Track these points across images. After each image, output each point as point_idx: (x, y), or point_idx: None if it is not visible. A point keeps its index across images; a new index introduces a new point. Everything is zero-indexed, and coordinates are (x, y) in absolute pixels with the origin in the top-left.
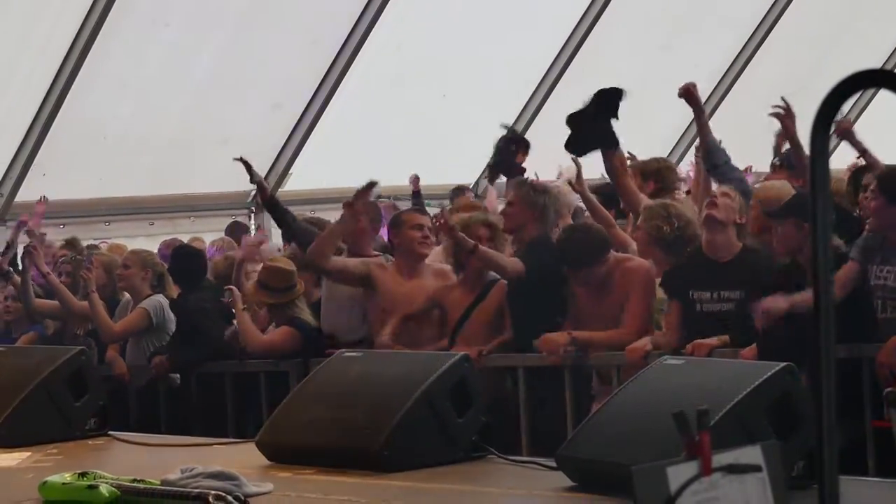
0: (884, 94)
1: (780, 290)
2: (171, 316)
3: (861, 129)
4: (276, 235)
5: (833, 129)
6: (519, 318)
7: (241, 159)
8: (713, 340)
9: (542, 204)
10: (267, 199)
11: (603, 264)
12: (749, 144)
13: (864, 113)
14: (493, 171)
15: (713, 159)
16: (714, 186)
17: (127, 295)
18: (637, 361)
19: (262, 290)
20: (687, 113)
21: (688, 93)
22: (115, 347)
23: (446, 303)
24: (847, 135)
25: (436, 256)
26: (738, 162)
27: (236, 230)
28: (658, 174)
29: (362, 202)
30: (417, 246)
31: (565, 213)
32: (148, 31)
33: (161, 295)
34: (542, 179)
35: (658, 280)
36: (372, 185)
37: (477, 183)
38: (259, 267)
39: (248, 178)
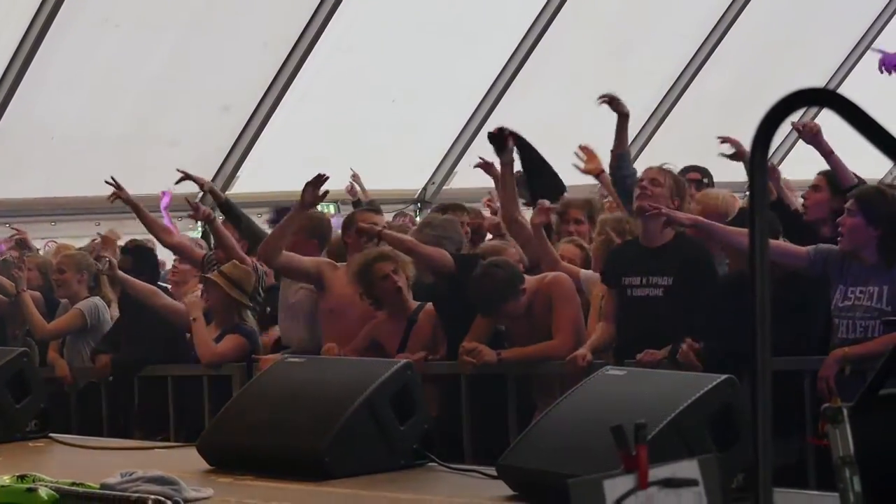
0: (825, 113)
1: (727, 297)
2: (107, 318)
3: (800, 151)
4: None
5: (801, 130)
6: (454, 337)
7: (181, 171)
8: (664, 352)
9: (436, 235)
10: (223, 203)
11: (518, 297)
12: (698, 154)
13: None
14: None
15: (623, 170)
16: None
17: (66, 300)
18: (578, 371)
19: (225, 279)
20: (638, 121)
21: (612, 101)
22: (55, 347)
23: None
24: (814, 137)
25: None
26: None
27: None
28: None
29: (311, 195)
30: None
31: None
32: (97, 32)
33: (98, 297)
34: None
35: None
36: (321, 178)
37: (424, 189)
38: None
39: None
